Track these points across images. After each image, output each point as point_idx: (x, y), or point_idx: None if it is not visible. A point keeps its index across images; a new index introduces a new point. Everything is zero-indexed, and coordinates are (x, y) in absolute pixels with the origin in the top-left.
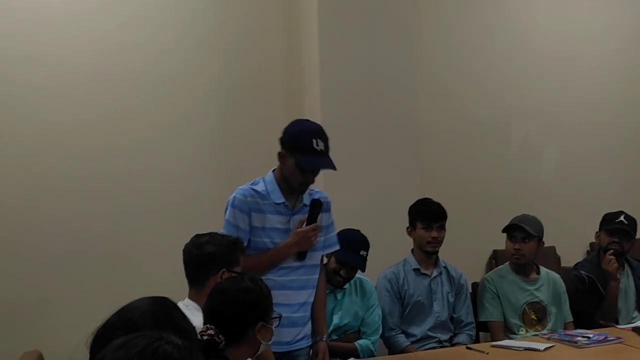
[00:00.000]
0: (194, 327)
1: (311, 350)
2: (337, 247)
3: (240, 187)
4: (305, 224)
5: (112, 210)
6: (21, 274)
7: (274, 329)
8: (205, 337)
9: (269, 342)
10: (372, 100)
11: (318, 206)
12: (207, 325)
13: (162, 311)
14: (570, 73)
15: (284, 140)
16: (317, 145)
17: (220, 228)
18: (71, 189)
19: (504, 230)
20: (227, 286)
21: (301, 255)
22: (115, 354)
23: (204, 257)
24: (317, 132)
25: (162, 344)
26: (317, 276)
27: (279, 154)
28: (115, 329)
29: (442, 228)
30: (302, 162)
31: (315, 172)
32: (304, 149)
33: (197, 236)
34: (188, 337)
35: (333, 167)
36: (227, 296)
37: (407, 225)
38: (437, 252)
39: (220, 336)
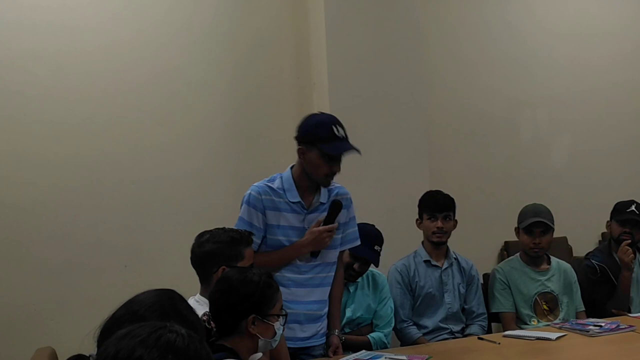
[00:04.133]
0: (199, 319)
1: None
2: (358, 243)
3: (255, 184)
4: (322, 224)
5: (127, 213)
6: (35, 276)
7: (276, 326)
8: None
9: (270, 339)
10: (381, 95)
11: (338, 208)
12: (206, 312)
13: (168, 303)
14: (580, 64)
15: (301, 136)
16: (338, 132)
17: None
18: (87, 193)
19: (524, 228)
20: (230, 275)
21: (314, 254)
22: (119, 344)
23: (204, 255)
24: (335, 120)
25: (165, 332)
26: (334, 274)
27: (299, 150)
28: (121, 322)
29: (448, 218)
30: (327, 149)
31: (340, 160)
32: (325, 138)
33: (200, 234)
34: (194, 328)
35: (357, 151)
36: (225, 285)
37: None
38: (444, 242)
39: (212, 323)
